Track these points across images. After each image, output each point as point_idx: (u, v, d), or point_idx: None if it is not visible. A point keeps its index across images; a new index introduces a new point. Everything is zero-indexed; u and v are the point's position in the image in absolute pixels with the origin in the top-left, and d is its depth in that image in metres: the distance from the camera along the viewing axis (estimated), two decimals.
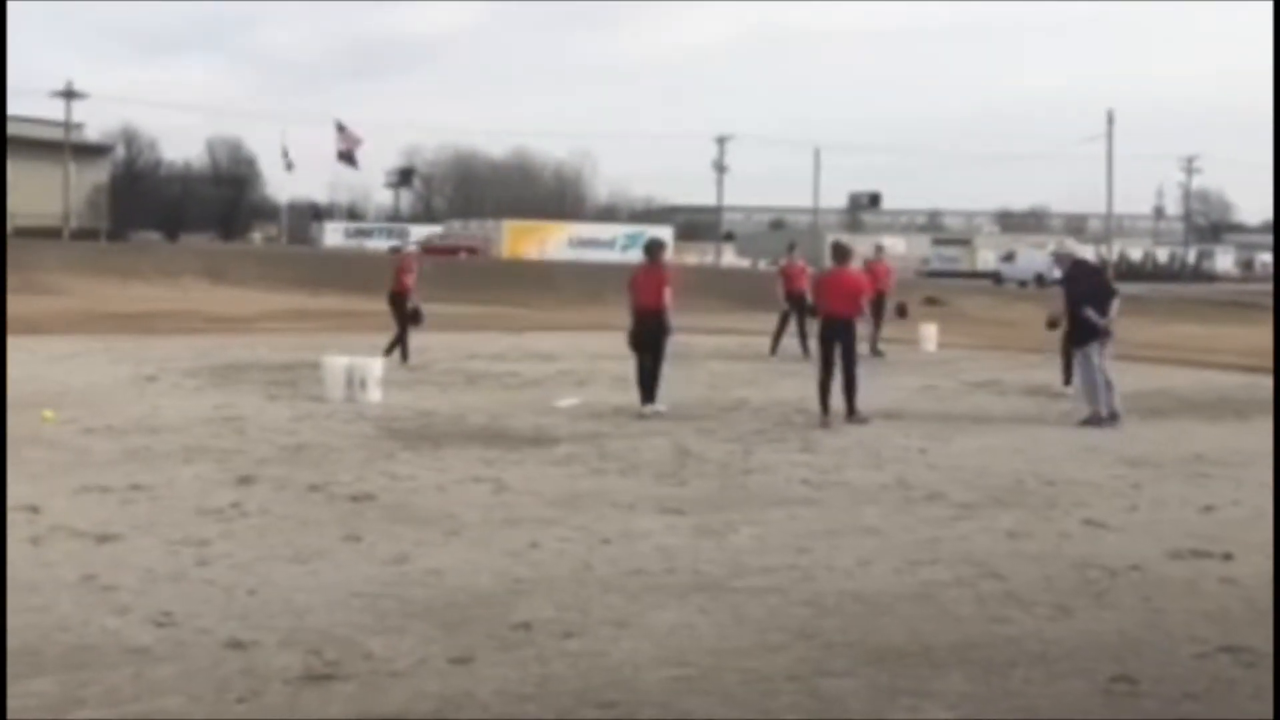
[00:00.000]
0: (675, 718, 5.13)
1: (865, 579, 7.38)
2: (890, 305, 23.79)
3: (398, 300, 20.17)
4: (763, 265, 71.98)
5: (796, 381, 18.27)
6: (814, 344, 15.27)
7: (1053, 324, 17.52)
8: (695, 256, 79.17)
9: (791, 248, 25.31)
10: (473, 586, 7.06)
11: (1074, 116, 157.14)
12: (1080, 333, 14.30)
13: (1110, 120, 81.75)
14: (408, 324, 19.98)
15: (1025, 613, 6.72)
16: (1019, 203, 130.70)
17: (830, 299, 14.27)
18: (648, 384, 14.74)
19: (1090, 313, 14.13)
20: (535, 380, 18.39)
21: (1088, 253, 16.67)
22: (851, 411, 14.01)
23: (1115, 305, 14.35)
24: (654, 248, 15.69)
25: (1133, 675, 5.73)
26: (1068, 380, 17.42)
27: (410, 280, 20.22)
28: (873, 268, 24.54)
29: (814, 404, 14.58)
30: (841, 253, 14.97)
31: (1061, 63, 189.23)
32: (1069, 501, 9.85)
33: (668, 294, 14.83)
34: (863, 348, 15.38)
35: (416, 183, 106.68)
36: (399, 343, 19.86)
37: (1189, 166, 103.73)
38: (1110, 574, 7.59)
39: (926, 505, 9.63)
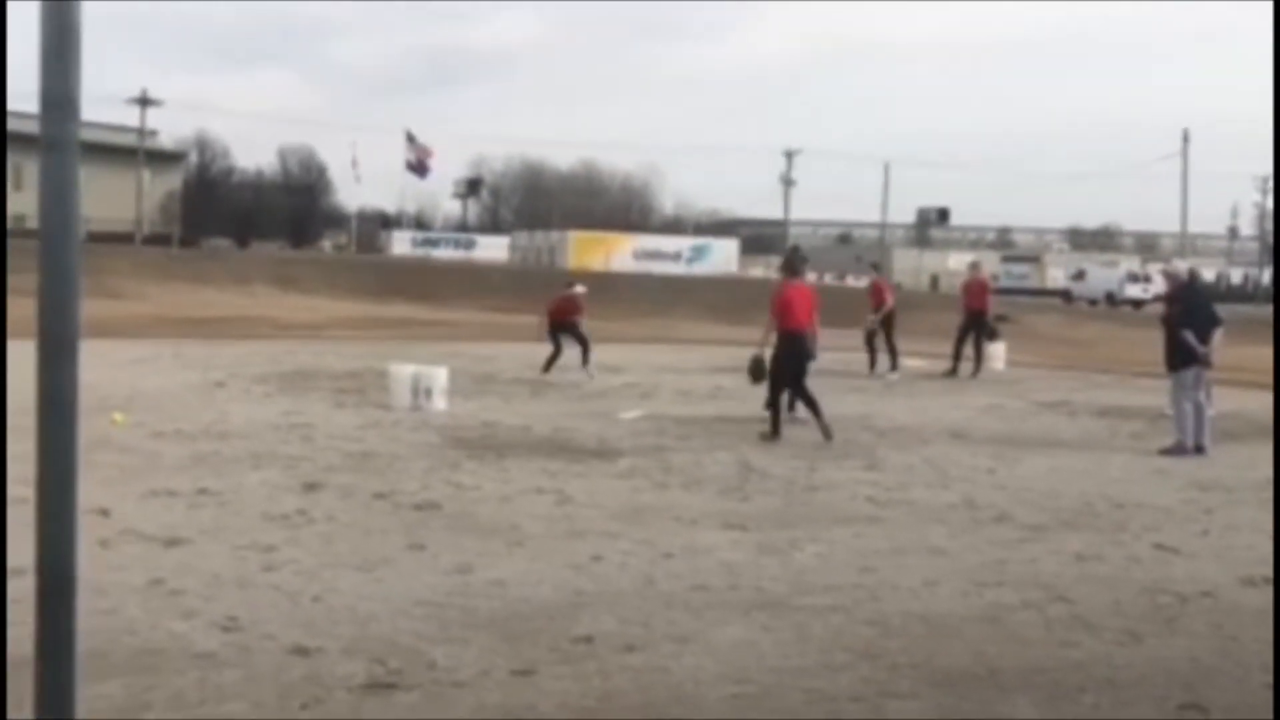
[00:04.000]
0: None
1: (931, 600, 7.30)
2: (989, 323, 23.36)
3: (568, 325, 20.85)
4: (828, 280, 71.66)
5: (863, 397, 18.18)
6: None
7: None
8: (761, 270, 79.01)
9: (876, 266, 25.51)
10: (535, 598, 7.06)
11: (1147, 134, 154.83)
12: (1176, 358, 13.91)
13: (1186, 138, 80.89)
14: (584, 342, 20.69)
15: (1094, 637, 6.62)
16: (1090, 220, 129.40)
17: (798, 313, 13.86)
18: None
19: (1189, 337, 13.71)
20: (599, 392, 18.40)
21: (1208, 275, 15.77)
22: (776, 430, 13.70)
23: (1218, 334, 13.90)
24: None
25: (1203, 703, 5.63)
26: None
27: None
28: (968, 285, 24.13)
29: (880, 420, 14.52)
30: (798, 264, 14.79)
31: (1136, 80, 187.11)
32: (1139, 525, 9.71)
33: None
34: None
35: (484, 193, 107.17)
36: (587, 354, 20.58)
37: (1265, 186, 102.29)
38: (1181, 600, 7.47)
39: (994, 526, 9.53)
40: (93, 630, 5.95)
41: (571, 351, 20.67)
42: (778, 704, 5.46)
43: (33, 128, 2.72)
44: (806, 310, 13.94)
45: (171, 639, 6.10)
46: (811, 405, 13.79)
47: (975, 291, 23.41)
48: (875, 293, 23.13)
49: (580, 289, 23.35)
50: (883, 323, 22.58)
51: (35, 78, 2.66)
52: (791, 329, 13.84)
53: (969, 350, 22.79)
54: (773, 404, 13.97)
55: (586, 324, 21.27)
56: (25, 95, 2.84)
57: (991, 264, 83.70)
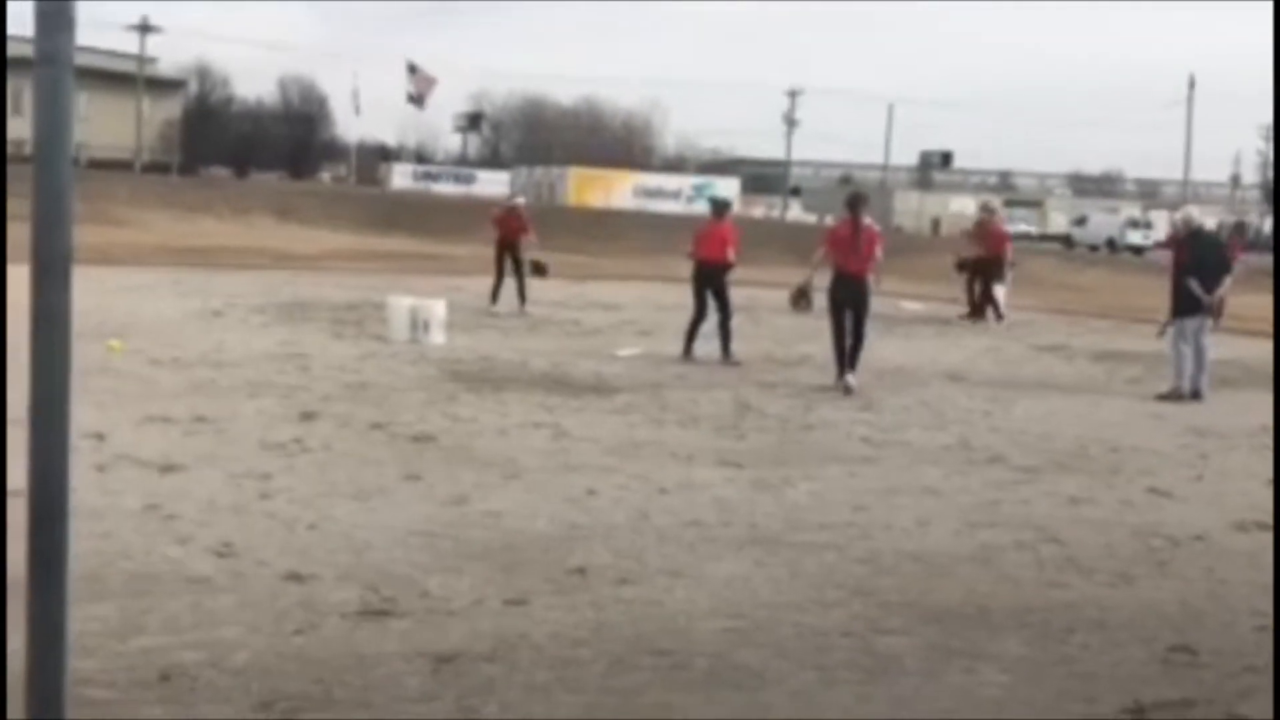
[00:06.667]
0: (728, 668, 5.12)
1: (924, 539, 7.33)
2: (1008, 268, 23.04)
3: (506, 248, 20.40)
4: (829, 220, 71.48)
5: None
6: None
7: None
8: (762, 210, 78.73)
9: (984, 207, 25.49)
10: (530, 530, 7.08)
11: (1151, 81, 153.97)
12: (1180, 304, 13.89)
13: (1191, 84, 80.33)
14: (520, 269, 20.26)
15: (1085, 579, 6.65)
16: (1092, 166, 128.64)
17: (703, 246, 15.50)
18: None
19: (1194, 285, 13.68)
20: (597, 329, 18.40)
21: (1209, 222, 15.88)
22: (726, 353, 14.96)
23: (1226, 282, 13.95)
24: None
25: (1192, 645, 5.66)
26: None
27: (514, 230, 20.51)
28: (990, 229, 23.79)
29: (874, 362, 14.53)
30: (722, 207, 16.67)
31: (1142, 25, 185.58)
32: (1133, 469, 9.73)
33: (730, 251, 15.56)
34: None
35: (485, 128, 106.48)
36: (500, 288, 20.15)
37: (1267, 134, 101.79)
38: (1173, 543, 7.50)
39: (988, 468, 9.55)
40: (87, 553, 5.98)
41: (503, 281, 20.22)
42: (769, 638, 5.49)
43: (28, 50, 2.70)
44: (712, 245, 15.46)
45: (166, 563, 6.13)
46: (693, 327, 15.34)
47: (997, 236, 23.14)
48: (989, 238, 22.93)
49: (520, 199, 23.06)
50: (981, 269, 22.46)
51: None
52: (699, 259, 15.54)
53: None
54: (690, 326, 15.42)
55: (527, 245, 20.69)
56: (24, 18, 2.80)
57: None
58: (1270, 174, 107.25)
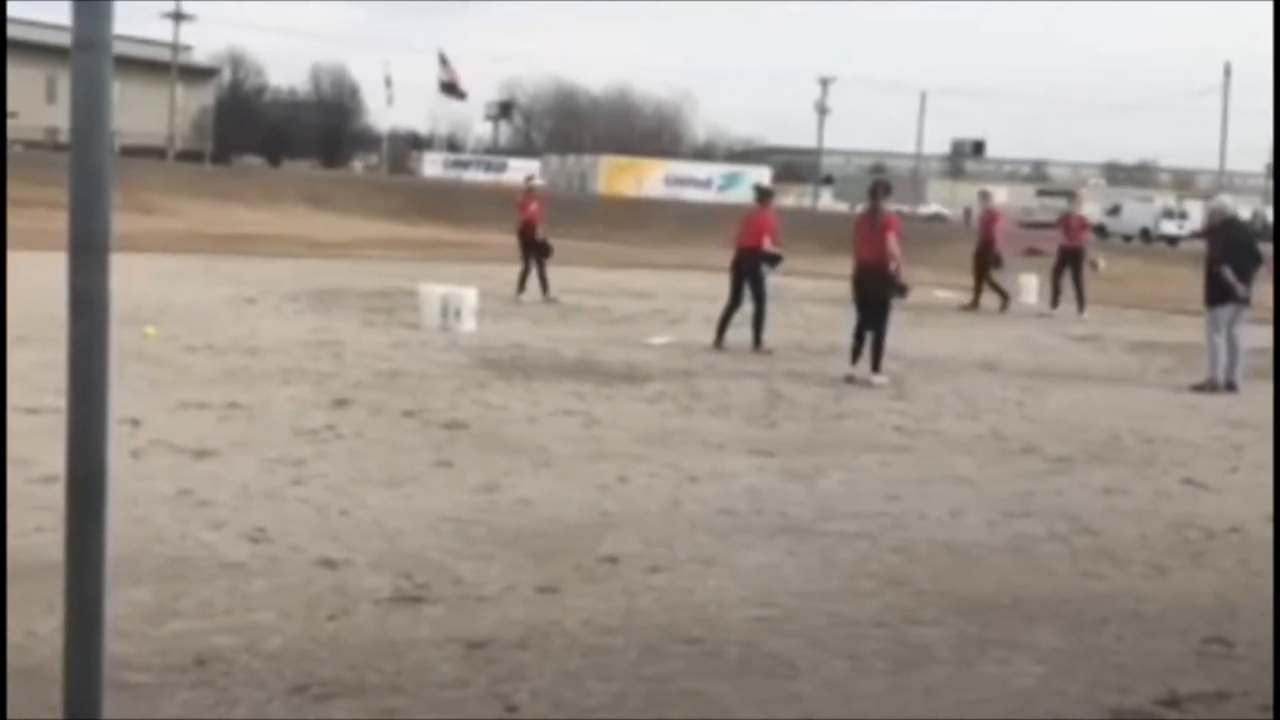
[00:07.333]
0: (760, 656, 5.11)
1: (957, 529, 7.30)
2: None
3: (525, 234, 20.40)
4: (858, 209, 71.10)
5: (892, 327, 18.09)
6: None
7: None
8: (793, 199, 78.51)
9: (1071, 196, 25.35)
10: (561, 517, 7.09)
11: (1186, 68, 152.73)
12: (1212, 293, 13.79)
13: (1227, 72, 79.58)
14: (539, 257, 20.22)
15: (1119, 570, 6.61)
16: (1127, 155, 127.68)
17: (740, 234, 15.51)
18: None
19: (1228, 273, 13.58)
20: (628, 317, 18.39)
21: (1244, 212, 15.75)
22: (758, 343, 14.91)
23: (1260, 271, 13.89)
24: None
25: (1227, 637, 5.62)
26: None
27: (532, 214, 20.47)
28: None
29: (907, 351, 14.49)
30: (765, 195, 16.71)
31: (1175, 12, 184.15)
32: (1168, 460, 9.67)
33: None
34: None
35: (516, 116, 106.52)
36: (526, 277, 20.09)
37: None
38: (1208, 535, 7.45)
39: (1021, 458, 9.51)
40: (122, 537, 5.97)
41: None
42: (801, 627, 5.48)
43: (67, 39, 2.70)
44: (748, 232, 15.42)
45: (200, 548, 6.16)
46: (726, 315, 15.30)
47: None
48: (1068, 229, 22.89)
49: (537, 181, 22.99)
50: (1072, 262, 22.23)
51: None
52: (737, 246, 15.54)
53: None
54: (724, 314, 15.38)
55: (543, 231, 20.56)
56: (61, 6, 2.81)
57: (1026, 197, 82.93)
58: None
